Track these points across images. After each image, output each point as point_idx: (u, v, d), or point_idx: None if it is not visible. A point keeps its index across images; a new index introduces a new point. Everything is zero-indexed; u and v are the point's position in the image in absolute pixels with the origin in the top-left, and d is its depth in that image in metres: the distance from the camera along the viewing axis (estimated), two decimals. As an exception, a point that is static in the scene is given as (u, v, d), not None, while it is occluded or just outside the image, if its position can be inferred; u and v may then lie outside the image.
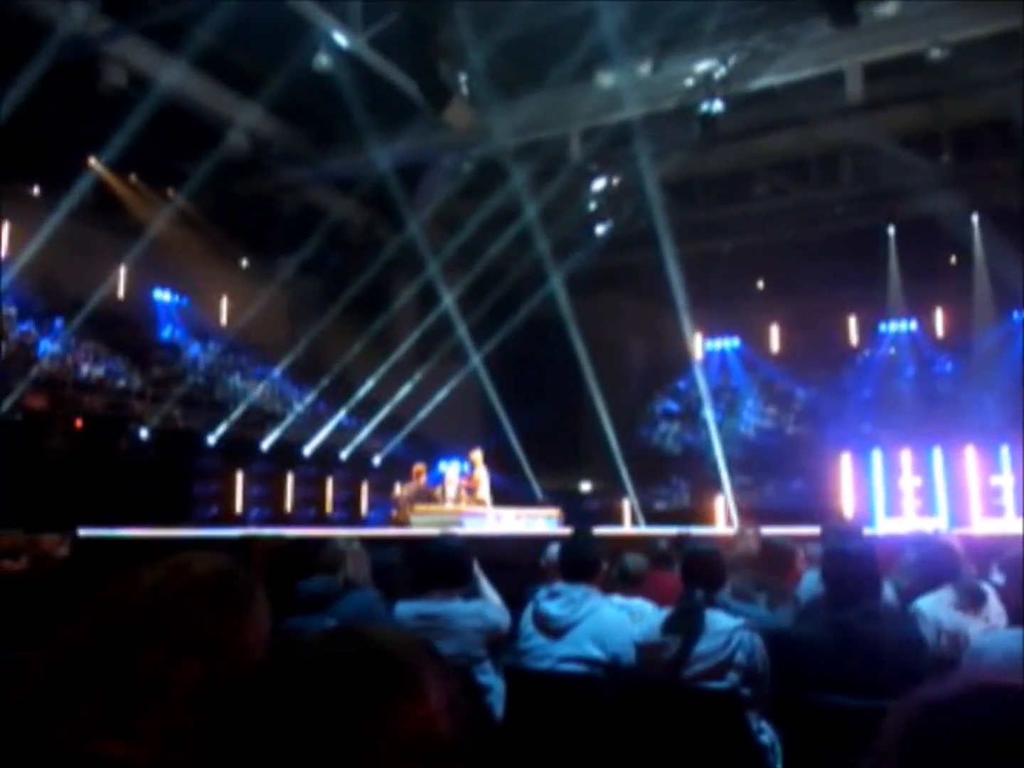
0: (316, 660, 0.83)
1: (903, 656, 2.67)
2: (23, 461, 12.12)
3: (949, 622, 3.21)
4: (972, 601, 3.28)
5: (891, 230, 18.67)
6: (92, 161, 14.50)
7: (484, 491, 12.05)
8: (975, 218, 17.70)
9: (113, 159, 13.54)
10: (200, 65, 12.67)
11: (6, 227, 15.70)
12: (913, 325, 20.45)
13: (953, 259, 18.90)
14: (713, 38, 12.07)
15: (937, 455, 15.59)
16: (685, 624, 3.03)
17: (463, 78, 12.35)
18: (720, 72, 12.07)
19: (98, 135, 12.87)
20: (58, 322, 15.32)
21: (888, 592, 3.49)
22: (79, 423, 13.43)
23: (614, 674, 3.13)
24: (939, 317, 20.51)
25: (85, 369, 15.03)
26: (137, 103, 11.96)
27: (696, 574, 3.22)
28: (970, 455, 15.24)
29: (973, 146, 14.24)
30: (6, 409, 12.44)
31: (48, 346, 14.72)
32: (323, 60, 12.07)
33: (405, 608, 3.41)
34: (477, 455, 12.22)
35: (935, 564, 3.53)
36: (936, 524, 12.50)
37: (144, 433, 14.12)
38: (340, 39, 11.98)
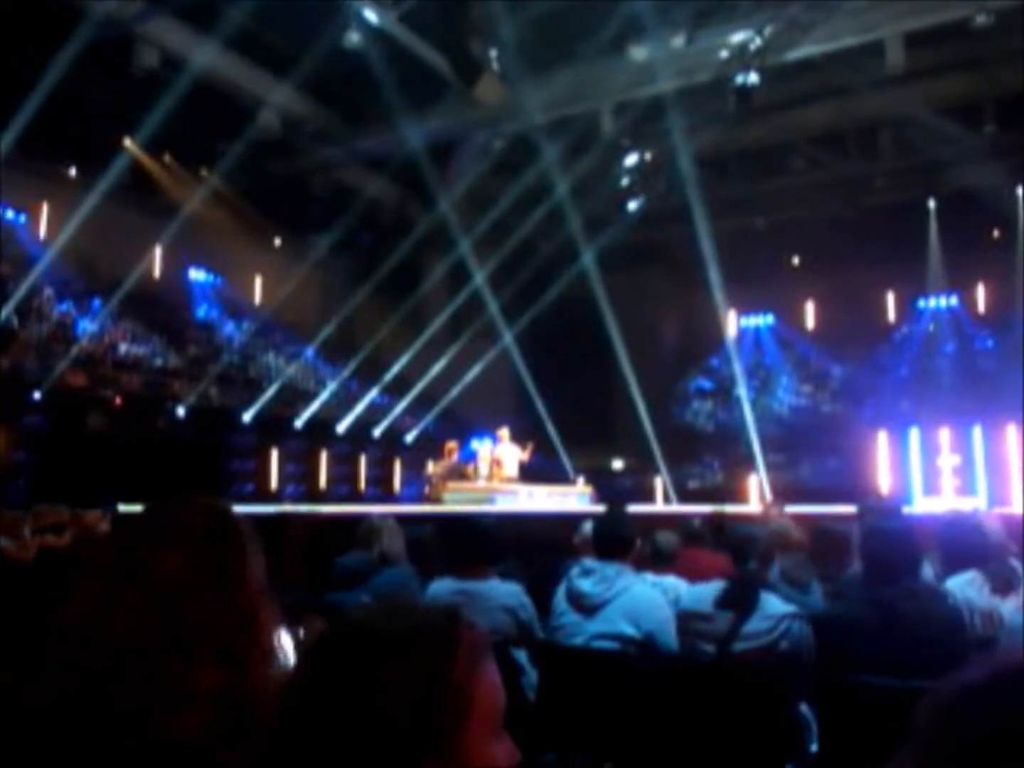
0: (360, 634, 0.84)
1: (943, 635, 2.63)
2: (65, 439, 12.39)
3: (981, 601, 3.16)
4: (1003, 582, 3.22)
5: (931, 203, 18.25)
6: (127, 142, 14.61)
7: (510, 468, 12.16)
8: (1019, 190, 17.24)
9: (147, 140, 13.66)
10: (231, 45, 12.68)
11: (44, 208, 15.94)
12: (954, 300, 20.05)
13: (996, 233, 18.46)
14: (749, 8, 11.82)
15: (977, 433, 15.31)
16: (739, 600, 3.00)
17: (494, 54, 12.26)
18: (755, 43, 11.81)
19: (132, 116, 12.99)
20: (96, 302, 15.55)
21: (927, 571, 3.44)
22: (118, 401, 13.67)
23: (647, 652, 3.14)
24: (981, 292, 20.06)
25: (123, 348, 15.27)
26: (170, 84, 12.04)
27: (746, 553, 3.22)
28: (1012, 434, 14.95)
29: (1018, 116, 13.78)
30: (47, 388, 12.69)
31: (86, 326, 14.96)
32: (353, 38, 12.01)
33: (441, 584, 3.44)
34: (504, 432, 12.37)
35: (961, 546, 3.44)
36: (975, 503, 12.31)
37: (181, 411, 14.34)
38: (370, 16, 11.92)
